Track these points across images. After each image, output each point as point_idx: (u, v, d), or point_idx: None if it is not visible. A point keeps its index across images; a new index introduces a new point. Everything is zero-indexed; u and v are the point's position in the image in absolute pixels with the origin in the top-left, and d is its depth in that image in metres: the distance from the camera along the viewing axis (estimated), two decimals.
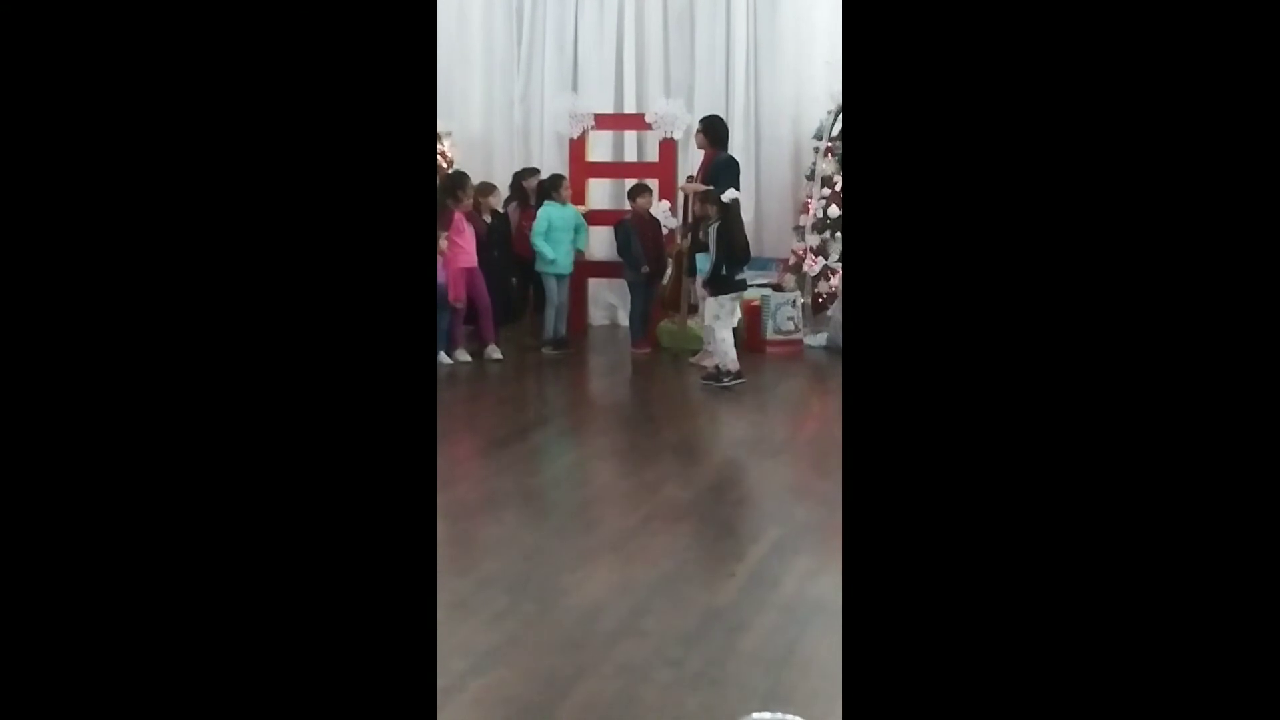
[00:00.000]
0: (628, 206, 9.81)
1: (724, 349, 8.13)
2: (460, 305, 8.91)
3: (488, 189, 9.66)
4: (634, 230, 9.48)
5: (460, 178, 9.21)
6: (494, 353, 9.12)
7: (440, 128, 10.19)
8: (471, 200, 9.16)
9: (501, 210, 9.89)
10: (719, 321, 8.18)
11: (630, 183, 9.97)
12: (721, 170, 8.72)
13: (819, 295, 9.87)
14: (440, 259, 8.47)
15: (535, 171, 10.26)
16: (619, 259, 9.72)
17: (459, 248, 8.88)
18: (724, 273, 8.15)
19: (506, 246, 9.65)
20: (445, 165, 9.82)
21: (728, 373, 8.09)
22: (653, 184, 9.86)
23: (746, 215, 9.19)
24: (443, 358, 8.61)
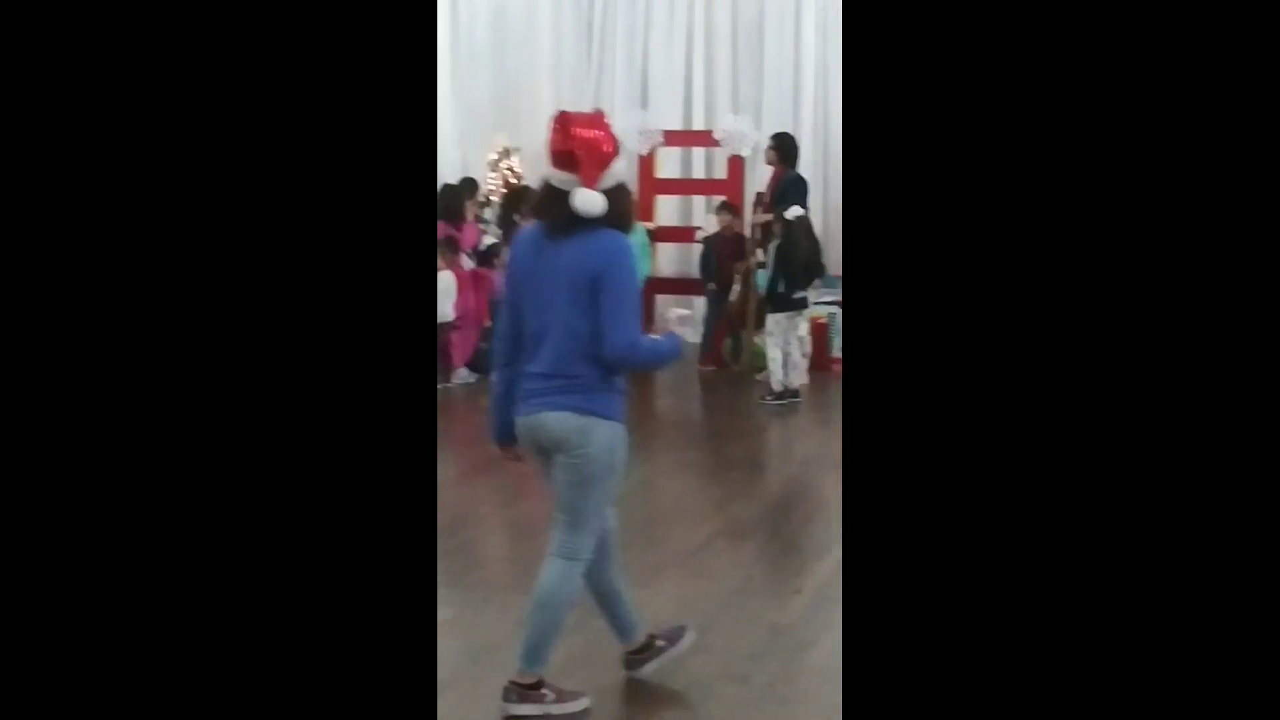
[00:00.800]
0: (693, 224, 9.83)
1: (774, 367, 8.11)
2: None
3: None
4: (713, 247, 9.50)
5: (525, 191, 9.25)
6: None
7: (509, 142, 10.27)
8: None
9: None
10: (772, 339, 8.16)
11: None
12: (790, 187, 8.70)
13: None
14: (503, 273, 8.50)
15: None
16: (687, 276, 9.75)
17: None
18: (780, 290, 8.12)
19: None
20: (514, 180, 9.87)
21: (778, 392, 8.07)
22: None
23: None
24: None
